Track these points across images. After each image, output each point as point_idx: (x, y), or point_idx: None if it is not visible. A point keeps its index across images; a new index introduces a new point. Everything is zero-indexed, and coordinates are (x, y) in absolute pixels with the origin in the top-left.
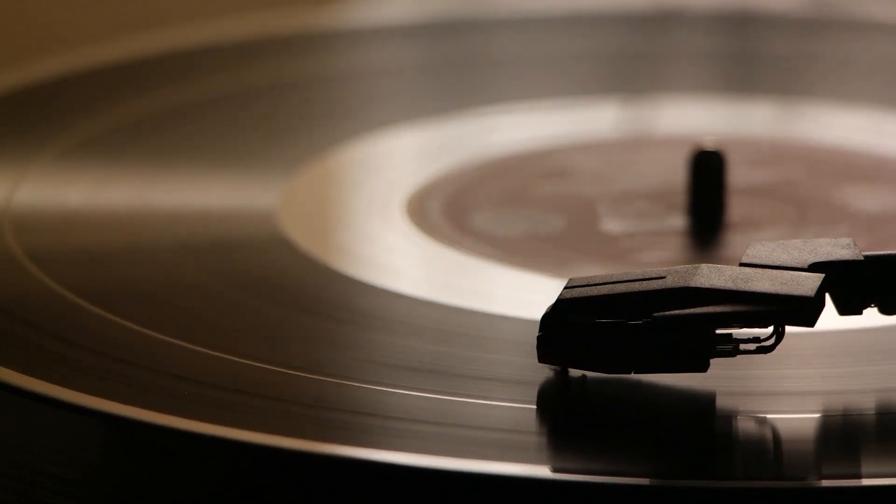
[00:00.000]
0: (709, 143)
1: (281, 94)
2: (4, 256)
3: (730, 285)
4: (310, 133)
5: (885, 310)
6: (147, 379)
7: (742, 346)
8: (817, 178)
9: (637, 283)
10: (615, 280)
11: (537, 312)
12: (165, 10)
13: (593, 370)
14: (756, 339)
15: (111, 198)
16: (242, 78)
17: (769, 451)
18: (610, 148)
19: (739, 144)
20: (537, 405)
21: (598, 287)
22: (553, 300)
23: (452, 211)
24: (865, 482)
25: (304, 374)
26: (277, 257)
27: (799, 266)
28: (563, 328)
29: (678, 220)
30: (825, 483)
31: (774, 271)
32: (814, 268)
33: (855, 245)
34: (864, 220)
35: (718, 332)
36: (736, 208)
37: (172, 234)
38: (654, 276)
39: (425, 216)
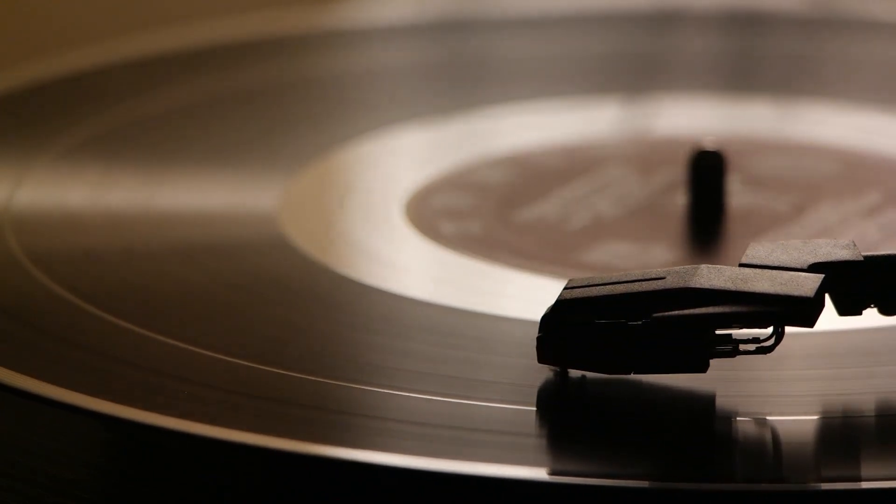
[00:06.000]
0: (709, 143)
1: (281, 93)
2: (5, 257)
3: (729, 286)
4: (310, 133)
5: (885, 310)
6: (147, 379)
7: (742, 347)
8: (817, 179)
9: (637, 283)
10: (615, 280)
11: (537, 313)
12: (165, 9)
13: (593, 371)
14: (756, 340)
15: (111, 198)
16: (243, 78)
17: (769, 452)
18: (610, 148)
19: (739, 144)
20: (537, 406)
21: (598, 287)
22: (553, 301)
23: (452, 211)
24: (865, 484)
25: (303, 376)
26: (277, 258)
27: (798, 266)
28: (562, 329)
29: (678, 220)
30: (825, 485)
31: (774, 272)
32: (813, 268)
33: (855, 245)
34: (864, 221)
35: (718, 332)
36: (736, 208)
37: (172, 234)
38: (653, 276)
39: (426, 217)
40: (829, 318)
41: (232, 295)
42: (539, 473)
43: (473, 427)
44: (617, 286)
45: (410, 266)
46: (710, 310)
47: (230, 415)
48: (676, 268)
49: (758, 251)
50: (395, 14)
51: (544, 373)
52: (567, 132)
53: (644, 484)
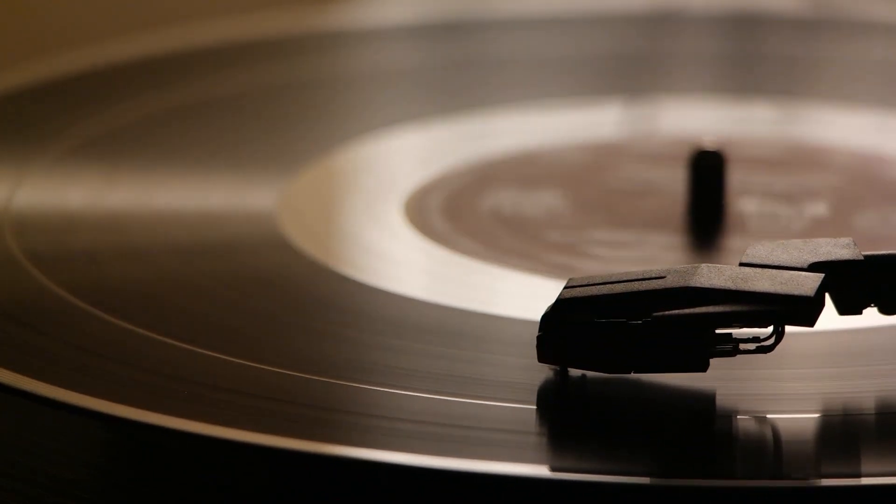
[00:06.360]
0: (709, 143)
1: (281, 94)
2: (4, 257)
3: (729, 285)
4: (310, 133)
5: (885, 310)
6: (147, 379)
7: (742, 346)
8: (817, 179)
9: (637, 282)
10: (615, 280)
11: (537, 312)
12: (165, 10)
13: (593, 370)
14: (756, 339)
15: (111, 199)
16: (242, 78)
17: (769, 450)
18: (610, 148)
19: (739, 144)
20: (537, 405)
21: (598, 287)
22: (553, 300)
23: (452, 212)
24: (865, 482)
25: (303, 375)
26: (277, 258)
27: (799, 266)
28: (562, 328)
29: (678, 221)
30: (825, 482)
31: (774, 271)
32: (814, 267)
33: (855, 245)
34: (864, 220)
35: (718, 331)
36: (736, 208)
37: (172, 235)
38: (653, 275)
39: (424, 217)
40: (830, 318)
41: (231, 294)
42: (540, 471)
43: (474, 426)
44: (617, 285)
45: (410, 265)
46: (711, 309)
47: (230, 414)
48: (677, 267)
49: (758, 250)
50: (396, 14)
51: (544, 372)
52: (567, 132)
53: (644, 481)
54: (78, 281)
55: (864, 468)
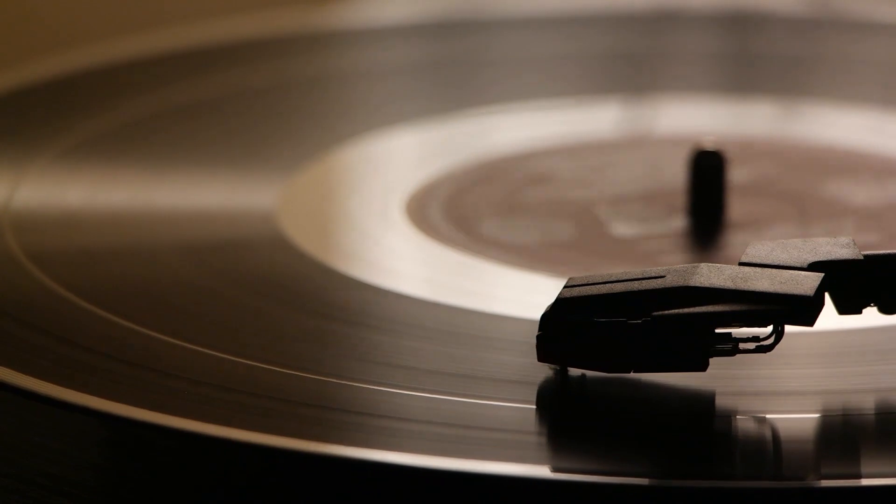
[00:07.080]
0: (709, 143)
1: (281, 94)
2: (4, 256)
3: (729, 284)
4: (310, 133)
5: (885, 309)
6: (147, 379)
7: (741, 346)
8: (817, 178)
9: (636, 282)
10: (614, 279)
11: (537, 312)
12: (165, 10)
13: (593, 369)
14: (755, 339)
15: (111, 198)
16: (242, 78)
17: (768, 450)
18: (610, 148)
19: (739, 144)
20: (537, 405)
21: (598, 286)
22: (552, 299)
23: (452, 211)
24: (865, 482)
25: (303, 374)
26: (277, 257)
27: (798, 265)
28: (562, 327)
29: (678, 221)
30: (824, 483)
31: (774, 270)
32: (813, 267)
33: (854, 244)
34: (865, 220)
35: (718, 331)
36: (736, 208)
37: (172, 234)
38: (653, 275)
39: (425, 216)
40: (829, 318)
41: (231, 294)
42: (539, 471)
43: (474, 425)
44: (616, 285)
45: (410, 265)
46: (710, 308)
47: (230, 414)
48: (676, 266)
49: (758, 250)
50: (395, 14)
51: (544, 371)
52: (567, 132)
53: (644, 482)
54: (77, 279)
55: (864, 468)
